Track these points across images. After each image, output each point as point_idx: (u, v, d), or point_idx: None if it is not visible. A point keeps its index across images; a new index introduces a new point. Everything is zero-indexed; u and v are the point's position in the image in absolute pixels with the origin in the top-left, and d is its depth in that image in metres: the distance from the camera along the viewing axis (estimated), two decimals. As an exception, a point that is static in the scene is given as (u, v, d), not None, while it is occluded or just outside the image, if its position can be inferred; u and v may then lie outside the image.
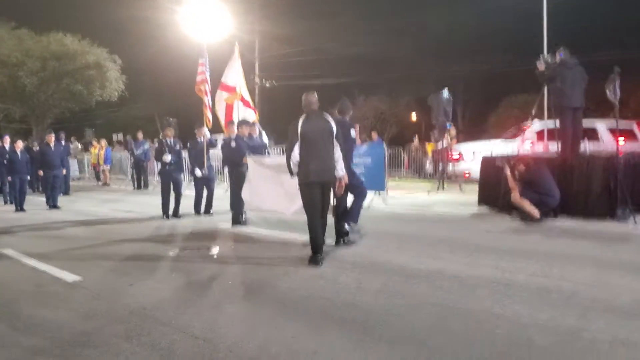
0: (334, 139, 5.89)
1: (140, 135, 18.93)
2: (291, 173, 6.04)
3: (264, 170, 8.33)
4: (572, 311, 4.03)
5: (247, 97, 11.67)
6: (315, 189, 5.89)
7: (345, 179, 6.09)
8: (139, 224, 9.73)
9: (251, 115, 11.26)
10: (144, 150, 18.28)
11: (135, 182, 18.70)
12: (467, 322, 3.84)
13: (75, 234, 8.86)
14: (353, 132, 6.89)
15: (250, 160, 8.56)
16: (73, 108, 30.09)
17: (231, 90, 10.83)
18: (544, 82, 9.89)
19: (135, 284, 5.25)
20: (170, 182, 10.28)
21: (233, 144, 9.10)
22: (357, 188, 6.98)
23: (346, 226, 6.84)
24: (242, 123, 9.63)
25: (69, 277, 5.58)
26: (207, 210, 10.46)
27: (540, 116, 13.05)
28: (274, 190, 7.90)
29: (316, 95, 6.06)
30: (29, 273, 5.98)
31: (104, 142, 21.53)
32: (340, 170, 5.96)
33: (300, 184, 6.01)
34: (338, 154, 5.90)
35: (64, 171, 13.71)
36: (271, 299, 4.63)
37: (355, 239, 6.92)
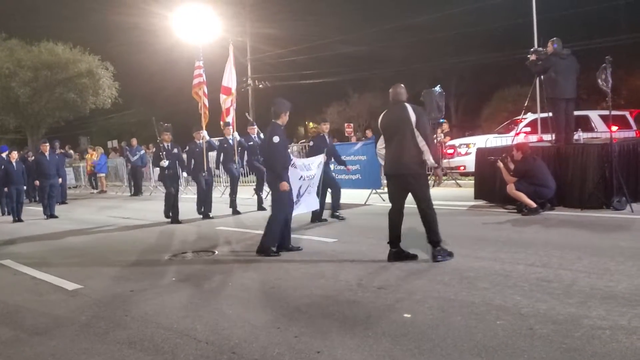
0: (415, 129, 5.55)
1: (134, 141, 18.93)
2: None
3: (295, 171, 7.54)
4: (572, 300, 4.05)
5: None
6: (390, 181, 5.89)
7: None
8: (138, 230, 9.73)
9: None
10: (140, 156, 18.27)
11: (132, 189, 18.69)
12: (469, 315, 3.86)
13: (74, 242, 8.84)
14: (276, 139, 6.31)
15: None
16: (67, 117, 30.09)
17: (227, 91, 10.82)
18: (537, 72, 9.93)
19: (136, 290, 5.25)
20: (172, 186, 10.26)
21: (311, 143, 9.18)
22: (276, 202, 6.51)
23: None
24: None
25: (69, 285, 5.58)
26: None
27: (533, 109, 13.10)
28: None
29: (402, 87, 5.88)
30: (30, 283, 5.97)
31: (100, 150, 21.58)
32: (428, 160, 5.59)
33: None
34: (422, 143, 5.53)
35: (60, 180, 13.71)
36: (273, 299, 4.64)
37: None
